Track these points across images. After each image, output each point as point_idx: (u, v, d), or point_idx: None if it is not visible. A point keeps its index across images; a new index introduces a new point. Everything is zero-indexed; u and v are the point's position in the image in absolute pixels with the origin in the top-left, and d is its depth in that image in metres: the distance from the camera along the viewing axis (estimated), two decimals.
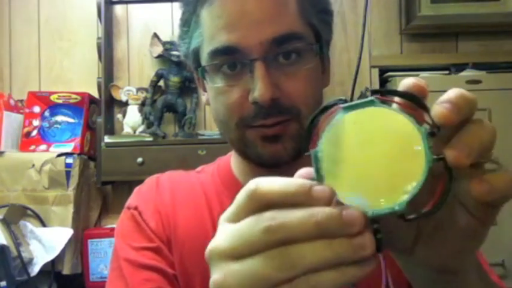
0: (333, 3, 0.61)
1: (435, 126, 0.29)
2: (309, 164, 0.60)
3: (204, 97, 0.64)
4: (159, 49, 1.74)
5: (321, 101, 0.59)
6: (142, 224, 0.62)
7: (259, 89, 0.51)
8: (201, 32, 0.56)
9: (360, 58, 1.97)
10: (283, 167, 0.54)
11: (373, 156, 0.29)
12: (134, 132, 1.73)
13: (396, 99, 0.31)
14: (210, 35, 0.54)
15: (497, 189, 0.29)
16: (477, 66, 1.70)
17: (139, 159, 1.59)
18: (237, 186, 0.63)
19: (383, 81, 1.80)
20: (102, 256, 1.60)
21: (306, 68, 0.54)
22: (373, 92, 0.30)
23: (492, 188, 0.29)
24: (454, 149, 0.28)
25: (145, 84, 1.78)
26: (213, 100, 0.58)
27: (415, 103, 0.30)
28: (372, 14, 1.82)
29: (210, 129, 1.76)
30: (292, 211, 0.27)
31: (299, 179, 0.28)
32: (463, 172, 0.30)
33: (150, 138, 1.65)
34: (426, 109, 0.29)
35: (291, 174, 0.59)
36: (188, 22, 0.58)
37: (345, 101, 0.30)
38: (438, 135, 0.29)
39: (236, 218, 0.29)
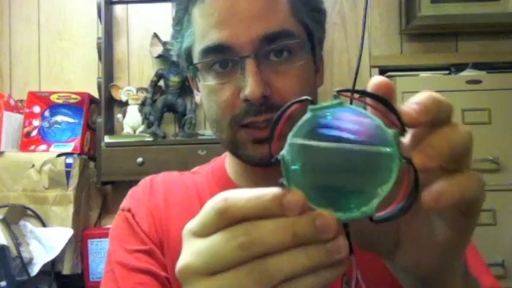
0: (325, 2, 0.61)
1: (402, 128, 0.28)
2: None
3: (197, 97, 0.64)
4: (159, 49, 1.74)
5: (314, 101, 0.58)
6: (135, 226, 0.62)
7: (249, 86, 0.51)
8: (193, 30, 0.56)
9: (360, 58, 1.96)
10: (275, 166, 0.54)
11: (340, 157, 0.28)
12: (134, 132, 1.73)
13: (367, 99, 0.30)
14: (202, 33, 0.55)
15: (446, 198, 0.28)
16: (477, 66, 1.69)
17: (139, 159, 1.59)
18: (231, 187, 0.63)
19: None
20: (102, 256, 1.60)
21: (297, 65, 0.54)
22: (340, 92, 0.29)
23: (439, 196, 0.28)
24: (420, 151, 0.28)
25: (145, 84, 1.78)
26: (205, 99, 0.58)
27: (383, 104, 0.29)
28: (372, 14, 1.82)
29: (210, 129, 1.76)
30: (265, 223, 0.27)
31: (267, 189, 0.28)
32: (435, 177, 0.29)
33: (150, 138, 1.65)
34: (394, 111, 0.29)
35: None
36: (181, 21, 0.59)
37: (312, 102, 0.29)
38: (410, 138, 0.29)
39: (204, 233, 0.28)
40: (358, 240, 0.32)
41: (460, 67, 1.70)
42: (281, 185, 0.28)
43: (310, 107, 0.29)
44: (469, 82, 1.59)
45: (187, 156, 1.57)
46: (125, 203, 0.66)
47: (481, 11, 1.68)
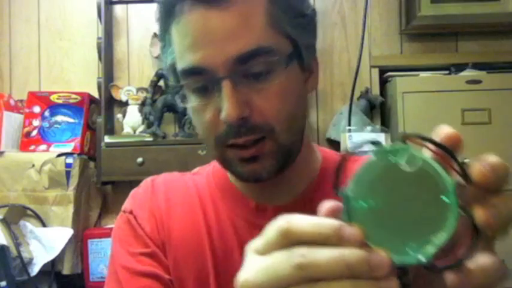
0: (311, 4, 0.59)
1: (467, 181, 0.29)
2: (299, 172, 0.58)
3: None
4: (159, 49, 1.74)
5: (300, 110, 0.57)
6: (137, 228, 0.62)
7: (226, 109, 0.50)
8: (173, 49, 0.56)
9: (360, 58, 1.97)
10: (266, 181, 0.55)
11: (401, 202, 0.30)
12: (134, 132, 1.73)
13: (429, 145, 0.31)
14: (179, 54, 0.54)
15: (472, 283, 0.29)
16: (477, 66, 1.69)
17: (139, 159, 1.59)
18: (231, 190, 0.63)
19: (383, 81, 1.80)
20: (102, 256, 1.60)
21: (278, 82, 0.52)
22: (405, 137, 0.31)
23: (466, 282, 0.29)
24: (486, 208, 0.29)
25: (145, 84, 1.78)
26: (192, 118, 0.58)
27: (448, 154, 0.30)
28: (372, 14, 1.82)
29: None
30: (323, 250, 0.28)
31: (329, 220, 0.29)
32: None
33: (150, 138, 1.65)
34: (458, 162, 0.30)
35: (282, 181, 0.58)
36: (163, 38, 0.58)
37: (378, 144, 0.31)
38: (465, 189, 0.30)
39: (265, 251, 0.30)
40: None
41: (460, 67, 1.70)
42: (342, 220, 0.30)
43: (375, 149, 0.30)
44: (469, 82, 1.59)
45: (187, 156, 1.57)
46: (127, 205, 0.66)
47: (481, 11, 1.68)
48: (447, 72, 1.71)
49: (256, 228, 0.58)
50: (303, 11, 0.56)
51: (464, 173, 0.29)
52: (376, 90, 1.78)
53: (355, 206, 0.30)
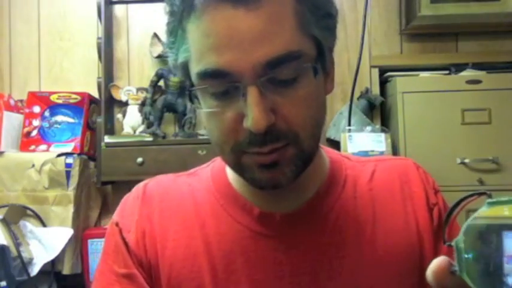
0: (335, 4, 0.55)
1: None
2: (309, 176, 0.56)
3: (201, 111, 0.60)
4: (159, 49, 1.74)
5: (323, 116, 0.55)
6: (120, 244, 0.60)
7: (252, 118, 0.46)
8: (188, 47, 0.51)
9: (360, 58, 1.97)
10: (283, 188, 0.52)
11: (511, 253, 0.30)
12: (134, 132, 1.73)
13: None
14: (198, 53, 0.49)
15: None
16: (477, 66, 1.69)
17: (139, 159, 1.59)
18: (233, 196, 0.60)
19: (383, 81, 1.80)
20: None
21: (305, 89, 0.49)
22: None
23: None
24: None
25: (145, 84, 1.78)
26: (206, 121, 0.54)
27: None
28: (372, 14, 1.82)
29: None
30: None
31: None
32: None
33: (150, 138, 1.65)
34: None
35: (290, 186, 0.54)
36: (174, 33, 0.53)
37: (489, 195, 0.31)
38: None
39: None
40: None
41: (460, 67, 1.70)
42: (453, 272, 0.30)
43: (488, 200, 0.31)
44: (469, 82, 1.59)
45: (187, 156, 1.57)
46: (115, 215, 0.63)
47: (481, 11, 1.68)
48: (447, 72, 1.71)
49: (261, 239, 0.56)
50: (330, 11, 0.53)
51: None
52: (376, 90, 1.79)
53: (465, 257, 0.30)
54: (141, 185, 0.65)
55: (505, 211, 0.30)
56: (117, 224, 0.61)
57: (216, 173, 0.63)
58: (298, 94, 0.49)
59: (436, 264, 0.32)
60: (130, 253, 0.59)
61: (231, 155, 0.52)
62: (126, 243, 0.59)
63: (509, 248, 0.30)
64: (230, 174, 0.62)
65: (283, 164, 0.50)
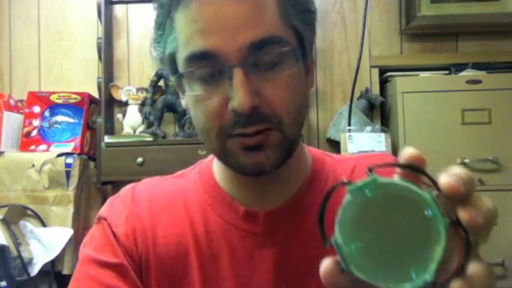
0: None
1: (440, 193, 0.30)
2: (292, 171, 0.58)
3: (183, 101, 0.61)
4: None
5: (305, 105, 0.57)
6: (109, 235, 0.59)
7: (238, 98, 0.48)
8: (176, 36, 0.53)
9: (360, 58, 1.97)
10: (267, 175, 0.53)
11: (390, 231, 0.30)
12: (134, 132, 1.73)
13: (397, 169, 0.32)
14: (186, 39, 0.52)
15: None
16: (477, 66, 1.70)
17: (139, 159, 1.59)
18: (220, 195, 0.61)
19: (383, 81, 1.80)
20: None
21: (288, 73, 0.51)
22: (371, 169, 0.31)
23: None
24: (468, 211, 0.30)
25: (145, 84, 1.78)
26: (192, 108, 0.55)
27: (416, 172, 0.31)
28: (372, 14, 1.82)
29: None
30: None
31: None
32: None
33: (150, 138, 1.65)
34: (429, 177, 0.31)
35: (274, 181, 0.57)
36: (163, 26, 0.55)
37: (348, 183, 0.31)
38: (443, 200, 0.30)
39: None
40: None
41: (460, 67, 1.70)
42: (342, 270, 0.30)
43: (349, 188, 0.31)
44: (469, 82, 1.59)
45: (187, 156, 1.57)
46: (101, 212, 0.63)
47: (481, 11, 1.68)
48: (447, 72, 1.71)
49: (247, 237, 0.58)
50: (309, 7, 0.56)
51: (437, 186, 0.30)
52: (376, 90, 1.79)
53: (348, 251, 0.30)
54: (128, 187, 0.65)
55: (366, 192, 0.31)
56: (105, 219, 0.61)
57: (203, 174, 0.64)
58: (281, 78, 0.51)
59: (323, 267, 0.31)
60: (120, 244, 0.59)
61: (216, 141, 0.53)
62: (115, 236, 0.59)
63: (383, 226, 0.30)
64: (217, 174, 0.63)
65: (267, 147, 0.52)
